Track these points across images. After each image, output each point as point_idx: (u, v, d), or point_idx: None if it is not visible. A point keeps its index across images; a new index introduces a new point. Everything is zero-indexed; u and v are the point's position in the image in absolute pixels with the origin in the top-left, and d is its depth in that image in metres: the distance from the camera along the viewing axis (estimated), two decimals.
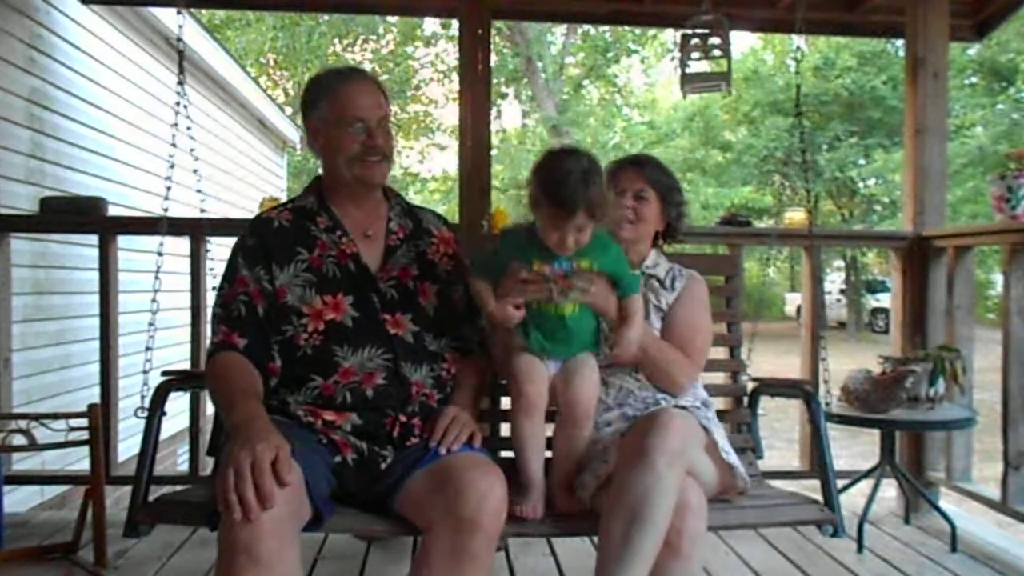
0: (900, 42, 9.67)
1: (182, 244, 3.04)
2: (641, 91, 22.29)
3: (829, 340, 3.33)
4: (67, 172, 4.11)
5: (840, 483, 2.72)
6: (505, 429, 1.97)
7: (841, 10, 3.72)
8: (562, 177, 1.62)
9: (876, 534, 2.90)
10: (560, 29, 18.82)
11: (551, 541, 2.73)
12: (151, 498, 1.74)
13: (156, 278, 2.74)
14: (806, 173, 3.20)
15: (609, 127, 20.29)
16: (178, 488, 2.14)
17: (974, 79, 16.69)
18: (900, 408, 2.79)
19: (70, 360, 3.99)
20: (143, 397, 2.50)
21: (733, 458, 1.83)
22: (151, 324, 2.69)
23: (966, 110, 15.62)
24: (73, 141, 4.18)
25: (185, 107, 2.83)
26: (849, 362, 3.62)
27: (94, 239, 3.05)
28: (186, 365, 3.03)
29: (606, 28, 17.97)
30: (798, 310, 15.10)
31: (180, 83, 2.88)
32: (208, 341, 1.79)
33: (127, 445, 3.15)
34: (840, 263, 20.82)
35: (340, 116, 1.74)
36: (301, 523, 1.49)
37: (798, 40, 3.18)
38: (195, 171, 2.91)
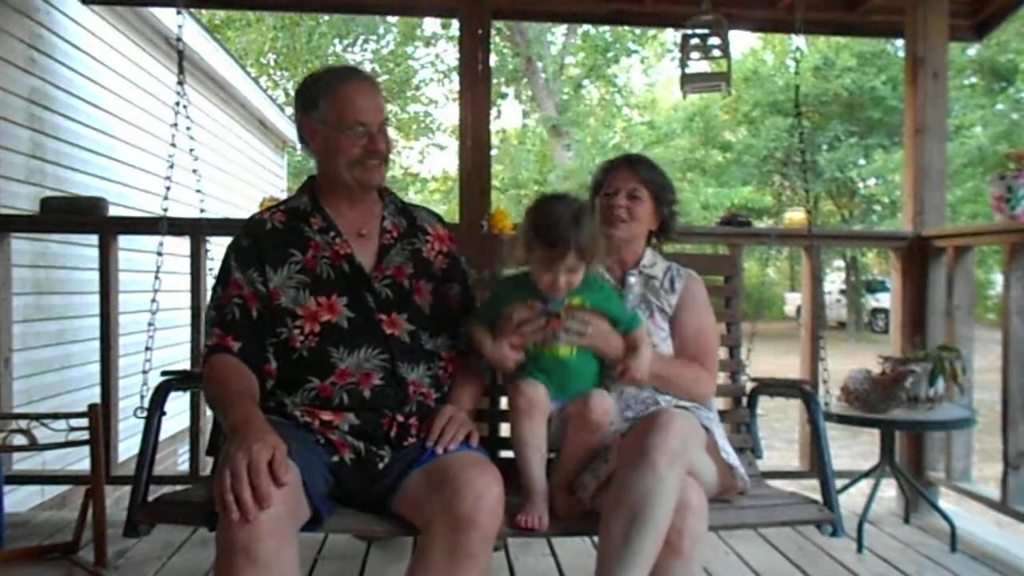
0: (900, 42, 9.66)
1: (182, 244, 3.04)
2: (641, 91, 22.30)
3: (829, 340, 3.34)
4: (67, 172, 4.11)
5: (840, 483, 2.73)
6: (504, 429, 1.97)
7: (841, 10, 3.72)
8: (553, 219, 1.69)
9: (876, 534, 2.90)
10: (560, 29, 18.83)
11: (551, 541, 2.73)
12: (151, 498, 1.74)
13: (156, 278, 2.74)
14: (806, 173, 3.20)
15: (609, 127, 20.30)
16: (178, 488, 2.14)
17: (974, 79, 16.69)
18: (900, 408, 2.79)
19: (70, 360, 3.99)
20: (143, 397, 2.50)
21: (733, 458, 1.83)
22: (151, 324, 2.69)
23: (966, 110, 15.61)
24: (73, 141, 4.18)
25: (185, 107, 2.83)
26: (849, 362, 3.62)
27: (94, 239, 3.05)
28: (186, 365, 3.03)
29: (606, 28, 17.98)
30: (798, 310, 15.13)
31: (180, 83, 2.87)
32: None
33: (127, 445, 3.16)
34: (840, 263, 20.81)
35: (341, 119, 1.73)
36: (299, 523, 1.49)
37: (798, 40, 3.18)
38: (195, 171, 2.90)
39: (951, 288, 3.15)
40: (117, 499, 3.50)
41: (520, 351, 1.76)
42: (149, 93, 5.14)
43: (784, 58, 17.57)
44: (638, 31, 17.92)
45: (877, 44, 16.24)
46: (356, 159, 1.75)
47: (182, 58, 2.93)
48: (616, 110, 20.95)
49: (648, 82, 22.76)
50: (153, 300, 2.72)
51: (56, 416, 2.52)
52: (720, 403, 2.20)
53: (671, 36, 16.51)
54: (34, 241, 3.75)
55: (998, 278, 11.97)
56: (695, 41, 3.22)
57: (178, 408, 2.71)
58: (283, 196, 8.24)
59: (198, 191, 2.94)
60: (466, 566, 1.50)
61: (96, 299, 3.03)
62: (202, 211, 3.00)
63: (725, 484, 1.82)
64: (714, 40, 3.20)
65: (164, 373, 1.95)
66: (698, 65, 3.28)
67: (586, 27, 18.06)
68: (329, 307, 1.72)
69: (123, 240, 3.14)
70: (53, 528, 2.86)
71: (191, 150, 2.87)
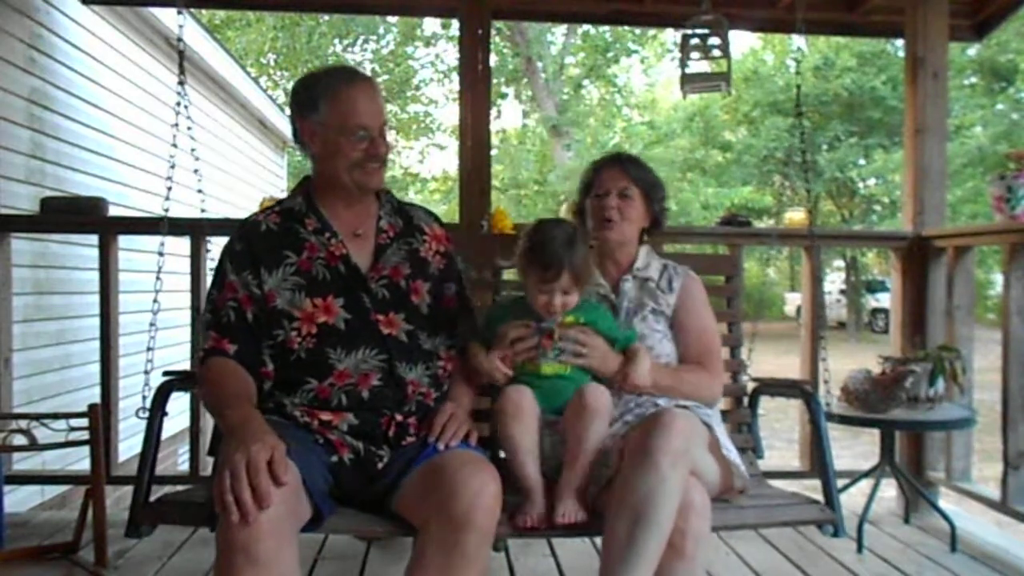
0: (900, 42, 9.66)
1: (182, 244, 3.04)
2: (641, 91, 22.29)
3: (829, 340, 3.33)
4: (67, 172, 4.11)
5: (840, 483, 2.71)
6: None
7: (841, 10, 3.72)
8: (548, 241, 1.77)
9: (876, 534, 2.90)
10: (560, 29, 18.83)
11: (551, 541, 2.72)
12: (152, 498, 1.74)
13: (157, 278, 2.74)
14: (806, 173, 3.20)
15: (609, 127, 20.29)
16: (179, 488, 2.13)
17: (974, 79, 16.68)
18: (900, 408, 2.79)
19: (70, 360, 3.99)
20: (144, 397, 2.50)
21: (734, 455, 1.83)
22: (152, 324, 2.69)
23: (966, 110, 15.60)
24: (73, 141, 4.18)
25: (185, 107, 2.83)
26: (849, 362, 3.62)
27: (94, 239, 3.05)
28: (187, 365, 3.03)
29: (606, 28, 17.97)
30: (798, 310, 15.11)
31: (180, 83, 2.87)
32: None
33: (128, 445, 3.16)
34: (840, 263, 20.81)
35: (343, 123, 1.71)
36: (299, 523, 1.49)
37: (798, 40, 3.18)
38: (196, 171, 2.90)
39: (951, 288, 3.15)
40: (117, 499, 3.50)
41: (510, 366, 1.81)
42: (149, 93, 5.13)
43: (784, 58, 17.55)
44: (638, 31, 17.92)
45: (877, 44, 16.24)
46: (356, 162, 1.74)
47: (183, 58, 2.93)
48: (616, 110, 20.95)
49: (648, 82, 22.77)
50: (154, 300, 2.71)
51: (56, 416, 2.52)
52: (721, 403, 2.20)
53: (671, 36, 16.51)
54: (34, 241, 3.75)
55: (998, 278, 11.97)
56: (695, 41, 3.22)
57: (179, 408, 2.71)
58: (283, 196, 8.27)
59: (199, 191, 2.94)
60: (463, 565, 1.49)
61: (96, 299, 3.03)
62: (202, 211, 2.99)
63: (727, 483, 1.82)
64: (714, 40, 3.20)
65: (166, 373, 1.95)
66: (698, 65, 3.28)
67: (586, 27, 18.07)
68: (325, 308, 1.72)
69: (123, 240, 3.14)
70: (53, 528, 2.86)
71: (192, 150, 2.87)
